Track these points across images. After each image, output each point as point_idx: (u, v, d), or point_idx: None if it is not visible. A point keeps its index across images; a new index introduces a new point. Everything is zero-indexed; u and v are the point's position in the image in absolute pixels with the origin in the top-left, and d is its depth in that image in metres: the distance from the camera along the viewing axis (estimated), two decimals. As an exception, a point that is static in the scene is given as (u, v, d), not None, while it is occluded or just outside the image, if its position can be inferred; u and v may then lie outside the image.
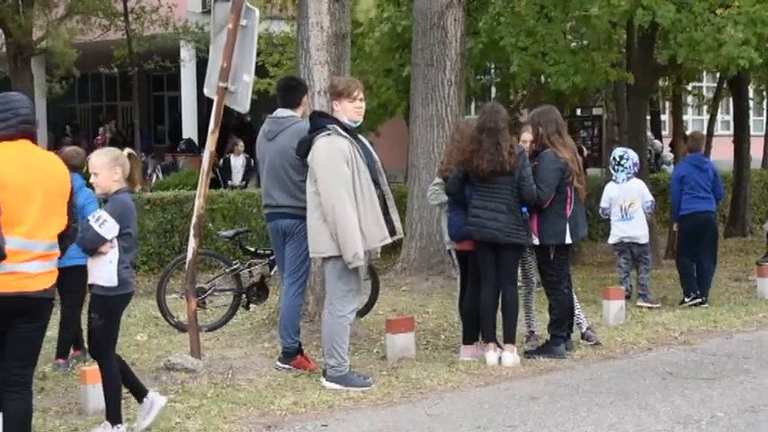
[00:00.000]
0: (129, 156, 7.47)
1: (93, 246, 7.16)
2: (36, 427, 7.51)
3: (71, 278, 8.69)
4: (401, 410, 8.20)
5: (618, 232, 13.44)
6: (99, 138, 32.85)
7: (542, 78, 20.01)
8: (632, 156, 13.51)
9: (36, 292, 6.22)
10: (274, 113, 9.49)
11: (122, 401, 7.46)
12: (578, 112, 28.47)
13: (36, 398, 8.23)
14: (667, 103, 30.30)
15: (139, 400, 7.56)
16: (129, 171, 7.40)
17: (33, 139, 6.44)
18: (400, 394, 8.65)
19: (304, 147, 8.83)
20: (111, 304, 7.29)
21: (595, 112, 28.70)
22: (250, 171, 24.67)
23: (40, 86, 28.14)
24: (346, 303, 8.83)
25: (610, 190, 13.54)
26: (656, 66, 18.64)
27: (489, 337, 9.72)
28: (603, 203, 13.55)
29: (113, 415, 7.28)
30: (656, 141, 27.65)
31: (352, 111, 8.90)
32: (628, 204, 13.29)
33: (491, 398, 8.53)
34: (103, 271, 7.21)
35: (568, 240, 9.92)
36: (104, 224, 7.10)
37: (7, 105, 6.39)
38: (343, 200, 8.56)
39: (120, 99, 38.23)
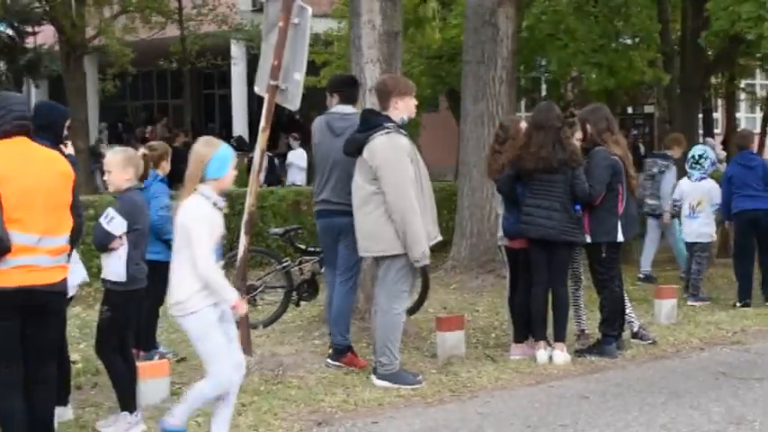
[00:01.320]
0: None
1: (103, 242, 7.34)
2: (89, 422, 7.63)
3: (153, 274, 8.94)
4: (451, 409, 8.20)
5: (685, 228, 13.55)
6: (148, 135, 33.05)
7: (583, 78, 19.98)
8: (711, 155, 13.58)
9: (45, 286, 6.24)
10: (337, 109, 9.46)
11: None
12: (629, 110, 28.30)
13: (89, 393, 8.37)
14: (720, 101, 30.07)
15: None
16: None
17: (30, 136, 6.40)
18: (450, 392, 8.64)
19: (354, 145, 8.80)
20: (118, 299, 7.46)
21: (647, 110, 28.52)
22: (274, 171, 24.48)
23: (93, 85, 28.38)
24: (402, 301, 8.85)
25: (683, 185, 13.74)
26: (708, 63, 18.52)
27: (540, 336, 9.68)
28: (675, 195, 13.85)
29: (127, 404, 7.45)
30: (710, 140, 27.43)
31: (412, 108, 8.97)
32: (696, 203, 13.35)
33: (541, 397, 8.51)
34: (113, 266, 7.40)
35: (620, 238, 9.86)
36: (112, 221, 7.29)
37: (1, 103, 6.42)
38: (411, 199, 8.58)
39: (171, 97, 38.47)
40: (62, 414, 7.54)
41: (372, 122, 8.79)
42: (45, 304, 6.28)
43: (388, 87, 8.98)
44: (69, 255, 6.59)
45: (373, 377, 8.84)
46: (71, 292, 7.39)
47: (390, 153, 8.63)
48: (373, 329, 9.06)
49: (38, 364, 6.41)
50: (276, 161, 25.48)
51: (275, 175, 24.52)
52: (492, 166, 10.02)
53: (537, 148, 9.44)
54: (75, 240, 6.63)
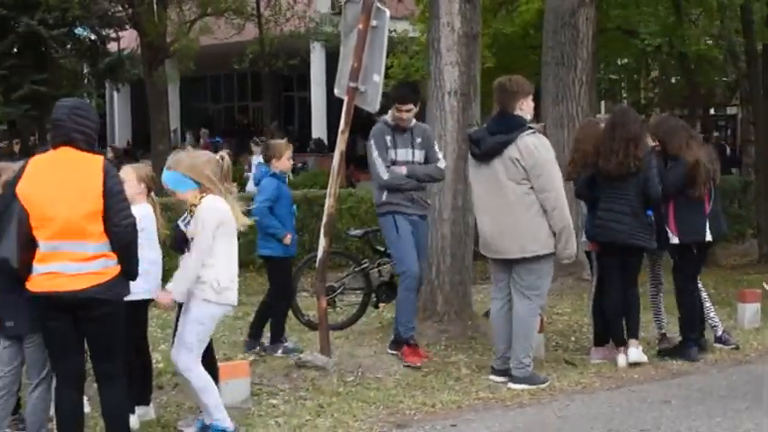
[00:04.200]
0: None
1: (180, 245, 7.39)
2: (170, 422, 7.70)
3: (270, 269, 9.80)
4: (530, 412, 8.16)
5: None
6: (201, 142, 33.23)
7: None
8: None
9: (71, 292, 6.22)
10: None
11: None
12: (711, 111, 27.99)
13: (170, 393, 8.44)
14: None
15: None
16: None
17: (72, 144, 6.33)
18: (530, 395, 8.59)
19: (499, 146, 8.69)
20: None
21: (730, 111, 28.17)
22: None
23: (174, 88, 28.66)
24: (543, 300, 9.04)
25: None
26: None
27: (618, 341, 9.60)
28: None
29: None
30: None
31: (532, 108, 8.99)
32: None
33: (622, 401, 8.43)
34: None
35: (708, 237, 9.78)
36: (190, 224, 7.28)
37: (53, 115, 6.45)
38: (564, 197, 8.74)
39: (251, 99, 38.79)
40: (144, 413, 7.63)
41: (513, 123, 8.75)
42: (81, 309, 6.30)
43: (514, 88, 8.89)
44: (123, 262, 6.43)
45: (511, 384, 8.79)
46: (149, 295, 7.44)
47: (546, 152, 8.71)
48: (495, 332, 9.09)
49: (97, 362, 6.53)
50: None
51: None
52: (570, 168, 9.95)
53: (612, 151, 9.35)
54: (122, 248, 6.40)
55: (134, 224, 6.44)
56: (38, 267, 6.26)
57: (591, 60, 14.15)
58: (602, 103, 26.07)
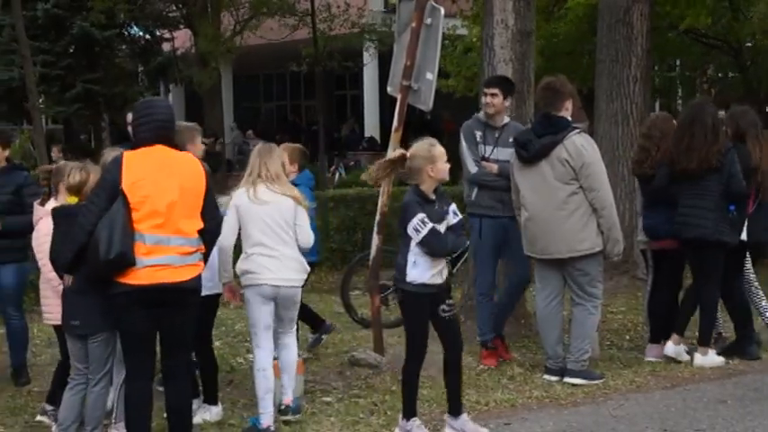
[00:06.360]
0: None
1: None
2: (225, 418, 7.75)
3: None
4: (585, 411, 8.12)
5: None
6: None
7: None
8: None
9: (174, 284, 6.39)
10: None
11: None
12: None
13: (225, 390, 8.48)
14: None
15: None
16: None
17: (169, 144, 6.58)
18: (584, 394, 8.56)
19: (548, 148, 8.72)
20: None
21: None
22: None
23: (228, 87, 28.73)
24: (601, 296, 9.02)
25: None
26: None
27: (680, 330, 9.56)
28: None
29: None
30: None
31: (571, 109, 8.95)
32: None
33: (677, 400, 8.37)
34: None
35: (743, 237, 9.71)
36: None
37: (146, 111, 6.64)
38: (612, 196, 8.79)
39: (303, 98, 38.87)
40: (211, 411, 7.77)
41: (560, 124, 8.79)
42: (175, 300, 6.45)
43: (563, 89, 8.92)
44: (206, 255, 6.72)
45: (567, 378, 8.84)
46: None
47: (593, 152, 8.76)
48: (543, 334, 9.13)
49: (171, 357, 6.63)
50: None
51: None
52: (640, 163, 9.78)
53: (692, 148, 9.23)
54: (211, 242, 6.73)
55: (222, 219, 6.88)
56: (143, 260, 6.35)
57: (645, 57, 14.03)
58: (657, 100, 25.87)
